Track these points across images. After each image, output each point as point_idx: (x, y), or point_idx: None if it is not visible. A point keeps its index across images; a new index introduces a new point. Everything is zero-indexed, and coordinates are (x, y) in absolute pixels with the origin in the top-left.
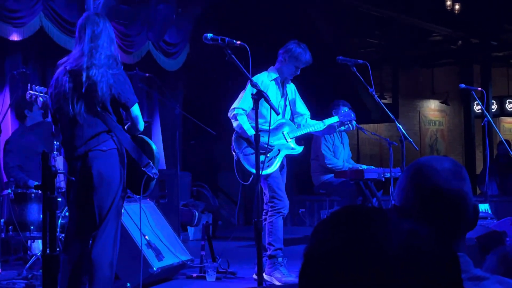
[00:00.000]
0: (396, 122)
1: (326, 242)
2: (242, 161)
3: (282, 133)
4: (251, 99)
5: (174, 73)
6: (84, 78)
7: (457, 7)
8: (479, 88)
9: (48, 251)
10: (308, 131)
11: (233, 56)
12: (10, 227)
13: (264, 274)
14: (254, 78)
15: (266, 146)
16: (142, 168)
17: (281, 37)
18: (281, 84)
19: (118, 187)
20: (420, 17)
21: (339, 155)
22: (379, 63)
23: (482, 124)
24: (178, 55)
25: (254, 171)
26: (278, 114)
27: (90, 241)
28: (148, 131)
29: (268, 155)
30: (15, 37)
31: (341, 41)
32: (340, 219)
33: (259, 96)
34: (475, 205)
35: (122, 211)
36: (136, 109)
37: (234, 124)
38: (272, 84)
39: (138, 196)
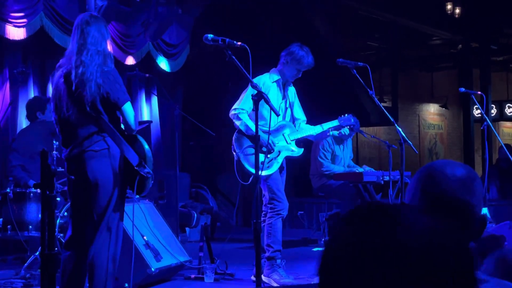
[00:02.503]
0: (396, 125)
1: (344, 237)
2: (242, 161)
3: (283, 135)
4: (251, 100)
5: (174, 74)
6: (73, 77)
7: (457, 11)
8: (479, 92)
9: (46, 250)
10: (309, 133)
11: (234, 57)
12: (9, 226)
13: (262, 276)
14: (256, 79)
15: (270, 144)
16: (135, 168)
17: (281, 39)
18: (283, 86)
19: (113, 187)
20: (420, 20)
21: (339, 163)
22: (379, 66)
23: (482, 128)
24: (178, 56)
25: (254, 171)
26: (278, 115)
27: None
28: (147, 131)
29: (269, 156)
30: (15, 36)
31: (341, 44)
32: (357, 215)
33: (259, 97)
34: (483, 216)
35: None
36: (127, 108)
37: (237, 123)
38: (274, 86)
39: (136, 196)
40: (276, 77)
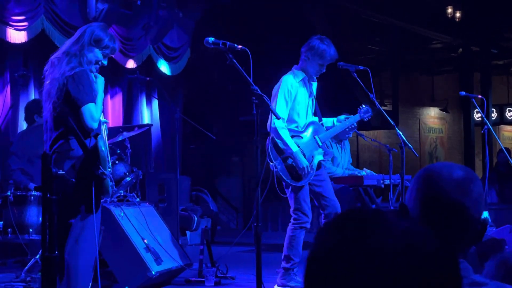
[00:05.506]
0: (396, 128)
1: (326, 243)
2: (281, 174)
3: (314, 138)
4: (285, 105)
5: (174, 77)
6: (45, 72)
7: (458, 14)
8: (479, 96)
9: (47, 253)
10: (338, 131)
11: (234, 60)
12: (9, 229)
13: (276, 286)
14: (282, 82)
15: (308, 170)
16: (92, 168)
17: (281, 42)
18: (308, 83)
19: (78, 187)
20: (421, 24)
21: (336, 166)
22: (379, 69)
23: (482, 132)
24: (179, 59)
25: (293, 183)
26: (278, 118)
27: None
28: (148, 135)
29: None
30: (16, 40)
31: (341, 47)
32: (339, 221)
33: (260, 100)
34: (484, 220)
35: (121, 213)
36: (86, 110)
37: (278, 141)
38: (301, 85)
39: (136, 199)
40: (301, 75)
